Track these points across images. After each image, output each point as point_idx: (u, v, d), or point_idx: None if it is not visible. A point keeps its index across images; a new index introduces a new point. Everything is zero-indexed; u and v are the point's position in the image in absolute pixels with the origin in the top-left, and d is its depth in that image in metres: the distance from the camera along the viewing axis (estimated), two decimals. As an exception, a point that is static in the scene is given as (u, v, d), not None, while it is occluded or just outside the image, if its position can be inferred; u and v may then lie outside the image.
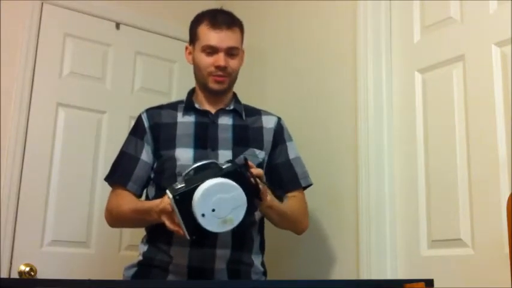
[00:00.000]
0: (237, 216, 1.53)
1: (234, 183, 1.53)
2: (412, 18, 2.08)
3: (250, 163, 1.63)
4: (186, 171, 1.61)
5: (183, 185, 1.55)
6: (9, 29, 2.44)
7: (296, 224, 1.94)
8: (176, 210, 1.54)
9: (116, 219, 1.91)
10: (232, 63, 1.90)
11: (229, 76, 1.91)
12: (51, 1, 2.57)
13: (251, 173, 1.60)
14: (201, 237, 1.60)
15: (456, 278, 1.77)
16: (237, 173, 1.56)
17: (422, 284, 1.39)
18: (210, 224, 1.51)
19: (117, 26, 2.75)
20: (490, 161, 1.76)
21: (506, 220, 1.44)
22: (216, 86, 1.90)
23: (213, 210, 1.50)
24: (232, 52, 1.89)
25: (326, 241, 2.17)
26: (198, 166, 1.63)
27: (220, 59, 1.86)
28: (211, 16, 1.90)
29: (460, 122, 1.87)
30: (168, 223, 1.62)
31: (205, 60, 1.89)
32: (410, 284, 1.41)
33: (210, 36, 1.87)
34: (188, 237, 1.55)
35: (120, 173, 1.91)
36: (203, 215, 1.50)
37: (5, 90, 2.40)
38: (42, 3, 2.55)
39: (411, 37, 2.08)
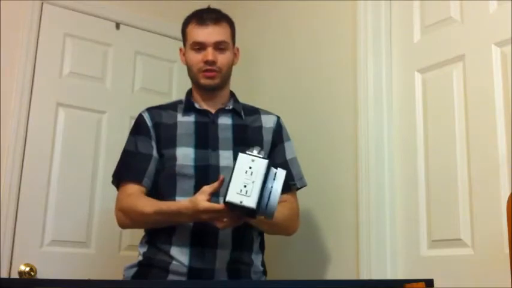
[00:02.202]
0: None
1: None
2: (412, 18, 2.08)
3: None
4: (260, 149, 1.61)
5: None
6: (9, 29, 2.44)
7: (286, 230, 1.95)
8: (263, 173, 1.50)
9: (134, 221, 1.86)
10: (222, 57, 1.90)
11: (220, 71, 1.90)
12: (51, 1, 2.57)
13: None
14: (234, 207, 1.54)
15: (456, 278, 1.77)
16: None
17: (422, 284, 1.39)
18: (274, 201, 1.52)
19: (117, 26, 2.75)
20: (490, 161, 1.76)
21: (506, 220, 1.44)
22: (207, 81, 1.90)
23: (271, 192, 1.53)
24: (220, 46, 1.89)
25: (326, 241, 2.17)
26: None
27: (208, 53, 1.87)
28: (197, 14, 1.92)
29: (460, 122, 1.87)
30: (214, 217, 1.64)
31: (195, 57, 1.90)
32: (411, 284, 1.41)
33: (197, 32, 1.89)
34: (253, 206, 1.50)
35: (135, 170, 1.88)
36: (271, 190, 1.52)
37: (5, 90, 2.40)
38: (42, 3, 2.55)
39: (411, 37, 2.08)
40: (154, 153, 1.89)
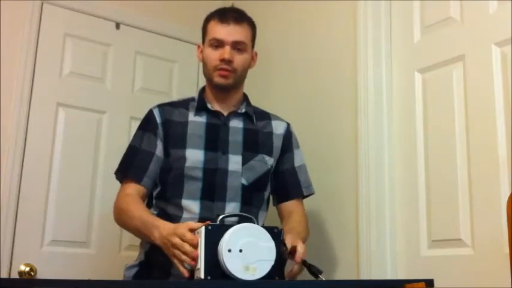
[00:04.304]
0: (260, 268, 1.43)
1: (270, 236, 1.46)
2: (412, 18, 2.08)
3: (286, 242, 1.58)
4: (222, 216, 1.55)
5: (218, 223, 1.51)
6: (9, 29, 2.44)
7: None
8: (202, 242, 1.45)
9: (122, 221, 1.86)
10: (239, 58, 1.87)
11: (235, 72, 1.88)
12: (51, 1, 2.57)
13: (284, 242, 1.54)
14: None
15: (456, 278, 1.77)
16: (275, 232, 1.49)
17: (422, 284, 1.39)
18: (232, 263, 1.40)
19: (117, 26, 2.75)
20: (490, 161, 1.76)
21: (506, 220, 1.44)
22: (220, 80, 1.87)
23: (240, 250, 1.41)
24: (238, 47, 1.87)
25: (326, 241, 2.17)
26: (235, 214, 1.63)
27: (225, 52, 1.85)
28: (220, 12, 1.91)
29: (460, 122, 1.87)
30: (176, 250, 1.56)
31: (212, 54, 1.87)
32: (411, 284, 1.40)
33: (217, 29, 1.87)
34: (202, 277, 1.44)
35: (134, 169, 1.88)
36: (229, 251, 1.41)
37: (5, 90, 2.40)
38: (42, 3, 2.55)
39: (411, 37, 2.08)
40: (158, 152, 1.88)
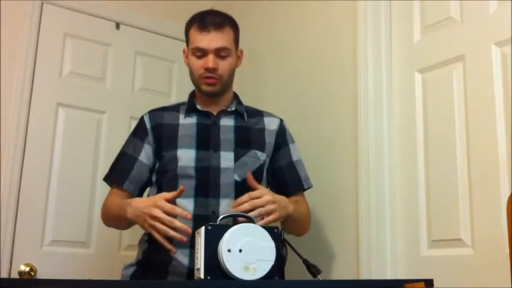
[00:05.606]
0: (260, 268, 1.43)
1: (270, 236, 1.46)
2: (412, 18, 2.08)
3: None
4: (223, 216, 1.56)
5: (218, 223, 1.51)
6: (9, 29, 2.45)
7: (303, 227, 1.96)
8: (202, 242, 1.45)
9: (105, 218, 1.93)
10: (223, 64, 1.88)
11: (220, 78, 1.89)
12: (51, 1, 2.57)
13: (284, 242, 1.55)
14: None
15: (456, 278, 1.77)
16: (275, 233, 1.49)
17: (422, 284, 1.39)
18: (232, 263, 1.41)
19: (117, 26, 2.75)
20: (490, 161, 1.76)
21: (506, 220, 1.44)
22: (208, 88, 1.90)
23: (240, 250, 1.42)
24: (222, 53, 1.88)
25: (326, 241, 2.17)
26: (235, 214, 1.63)
27: (209, 60, 1.86)
28: (199, 18, 1.90)
29: (460, 122, 1.87)
30: (156, 223, 1.66)
31: (196, 63, 1.89)
32: (411, 284, 1.41)
33: (198, 38, 1.87)
34: (202, 277, 1.44)
35: (117, 173, 1.93)
36: (229, 251, 1.41)
37: (5, 90, 2.40)
38: (42, 3, 2.55)
39: (411, 37, 2.08)
40: (143, 157, 1.91)
